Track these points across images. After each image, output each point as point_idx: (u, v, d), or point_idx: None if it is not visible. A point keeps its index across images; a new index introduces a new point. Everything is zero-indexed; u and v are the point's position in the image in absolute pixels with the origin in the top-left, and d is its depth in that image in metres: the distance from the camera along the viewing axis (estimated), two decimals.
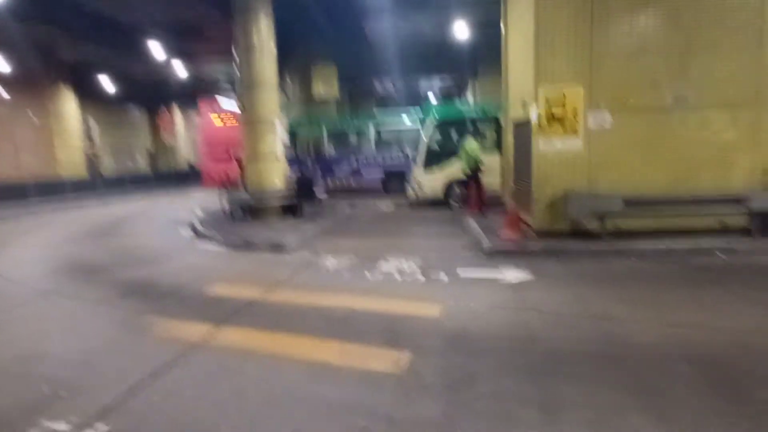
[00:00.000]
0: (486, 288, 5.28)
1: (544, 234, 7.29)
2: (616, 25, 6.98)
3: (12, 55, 16.47)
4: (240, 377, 3.41)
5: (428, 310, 4.59)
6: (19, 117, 19.53)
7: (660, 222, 6.99)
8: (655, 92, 7.03)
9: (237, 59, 10.33)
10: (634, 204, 6.82)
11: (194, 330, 4.31)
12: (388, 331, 4.10)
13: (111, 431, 2.77)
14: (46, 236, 10.34)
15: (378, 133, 16.10)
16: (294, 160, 15.53)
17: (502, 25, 9.37)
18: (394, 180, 15.40)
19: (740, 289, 4.94)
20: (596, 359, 3.41)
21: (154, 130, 27.55)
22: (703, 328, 3.89)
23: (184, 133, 28.28)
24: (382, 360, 3.56)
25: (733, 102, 6.94)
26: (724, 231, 6.98)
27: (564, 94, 7.10)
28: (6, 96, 19.06)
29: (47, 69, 18.84)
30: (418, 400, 2.97)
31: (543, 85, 7.13)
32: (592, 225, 7.06)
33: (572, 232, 7.21)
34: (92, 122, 21.84)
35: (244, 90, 10.30)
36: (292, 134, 15.76)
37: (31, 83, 19.02)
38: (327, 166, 16.31)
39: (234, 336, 4.20)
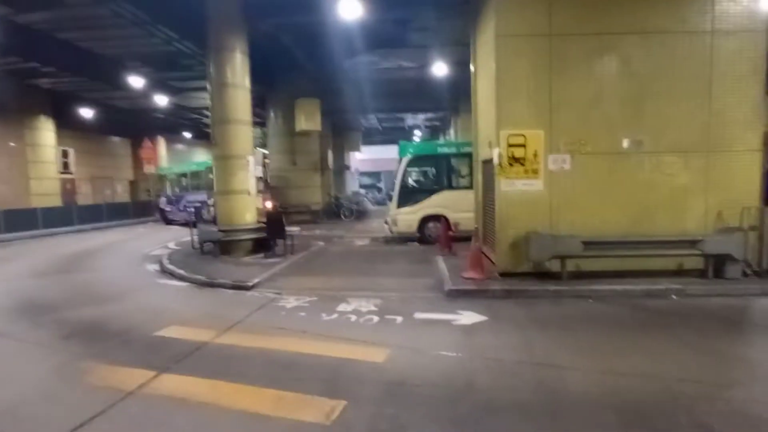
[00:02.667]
0: (438, 331, 5.25)
1: (507, 274, 7.32)
2: (574, 73, 7.27)
3: None
4: (167, 429, 3.31)
5: (374, 355, 4.53)
6: None
7: (620, 263, 7.06)
8: (612, 137, 7.27)
9: (211, 94, 10.46)
10: (593, 245, 6.91)
11: (132, 377, 4.17)
12: (329, 379, 4.03)
13: None
14: (4, 270, 10.08)
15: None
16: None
17: (471, 67, 9.70)
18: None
19: (686, 334, 5.00)
20: (525, 409, 3.40)
21: (136, 159, 27.42)
22: (640, 376, 3.91)
23: (169, 164, 28.19)
24: (316, 410, 3.48)
25: (685, 147, 7.20)
26: (681, 272, 7.09)
27: (525, 137, 7.29)
28: None
29: (24, 99, 18.76)
30: None
31: (504, 128, 7.32)
32: (554, 266, 7.12)
33: (535, 273, 7.24)
34: (70, 152, 21.60)
35: (217, 125, 10.39)
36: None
37: (7, 113, 18.84)
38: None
39: (172, 384, 4.07)
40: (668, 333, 5.03)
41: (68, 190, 22.43)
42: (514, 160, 7.33)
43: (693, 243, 6.83)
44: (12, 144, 19.42)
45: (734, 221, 7.04)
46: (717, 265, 6.91)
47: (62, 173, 21.18)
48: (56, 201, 20.39)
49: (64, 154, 21.33)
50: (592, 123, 7.28)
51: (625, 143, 7.25)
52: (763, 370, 4.15)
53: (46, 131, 20.00)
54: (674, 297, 6.34)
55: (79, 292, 7.71)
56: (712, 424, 3.13)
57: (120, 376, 4.23)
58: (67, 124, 21.25)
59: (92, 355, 4.76)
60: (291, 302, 6.62)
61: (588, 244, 6.88)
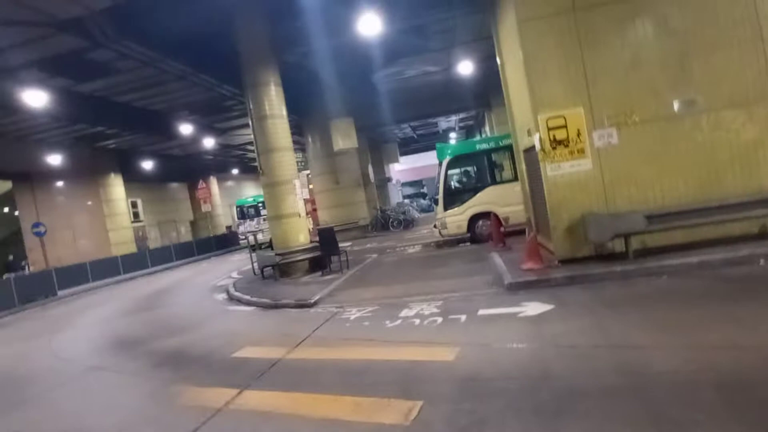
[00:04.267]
0: (504, 325, 5.16)
1: (567, 261, 7.06)
2: (606, 40, 7.00)
3: (64, 152, 18.37)
4: None
5: (444, 354, 4.53)
6: (75, 207, 21.49)
7: (690, 234, 6.61)
8: (659, 101, 6.89)
9: (253, 128, 11.05)
10: (658, 218, 6.54)
11: (218, 395, 4.43)
12: (402, 381, 4.07)
13: None
14: (97, 314, 11.04)
15: None
16: None
17: (498, 59, 9.59)
18: None
19: None
20: (610, 393, 3.23)
21: (194, 200, 29.30)
22: (733, 348, 3.62)
23: (221, 200, 29.87)
24: (393, 412, 3.53)
25: (745, 98, 6.68)
26: (767, 234, 6.52)
27: (564, 117, 7.08)
28: (64, 189, 21.14)
29: (95, 160, 20.85)
30: None
31: (542, 112, 7.14)
32: (616, 246, 6.80)
33: (597, 256, 6.95)
34: (138, 202, 23.61)
35: (262, 155, 10.93)
36: None
37: (83, 175, 20.96)
38: None
39: (255, 399, 4.29)
40: (761, 300, 4.61)
41: (140, 237, 24.33)
42: (557, 143, 7.12)
43: None
44: (89, 203, 21.56)
45: None
46: None
47: (134, 222, 23.17)
48: (131, 248, 22.30)
49: (134, 205, 23.42)
50: (634, 91, 6.93)
51: (676, 105, 6.85)
52: None
53: (116, 186, 22.25)
54: (763, 262, 5.82)
55: (162, 326, 8.30)
56: None
57: (207, 395, 4.51)
58: (132, 177, 23.42)
59: (181, 380, 5.13)
60: (354, 314, 6.76)
61: (652, 217, 6.53)
